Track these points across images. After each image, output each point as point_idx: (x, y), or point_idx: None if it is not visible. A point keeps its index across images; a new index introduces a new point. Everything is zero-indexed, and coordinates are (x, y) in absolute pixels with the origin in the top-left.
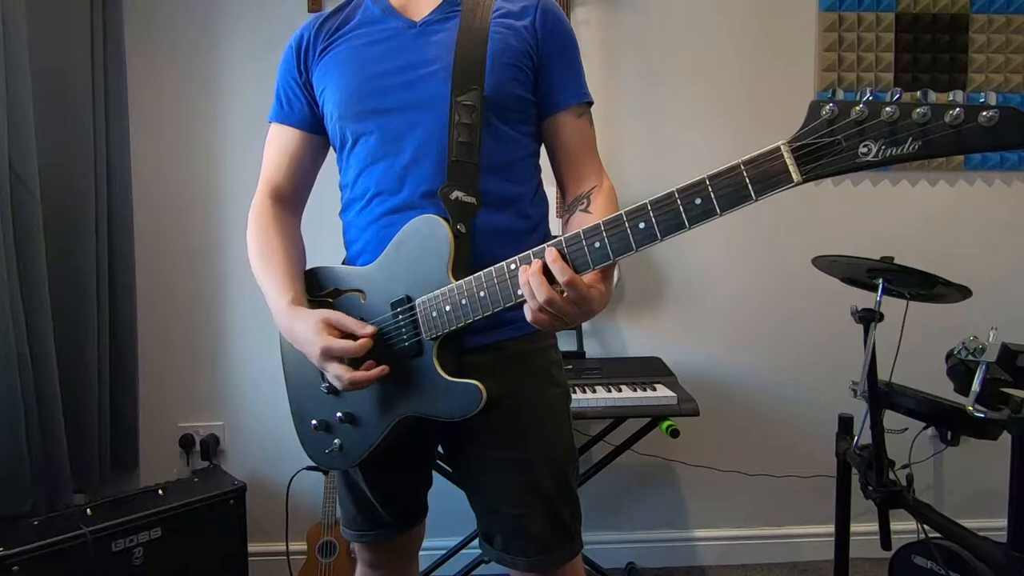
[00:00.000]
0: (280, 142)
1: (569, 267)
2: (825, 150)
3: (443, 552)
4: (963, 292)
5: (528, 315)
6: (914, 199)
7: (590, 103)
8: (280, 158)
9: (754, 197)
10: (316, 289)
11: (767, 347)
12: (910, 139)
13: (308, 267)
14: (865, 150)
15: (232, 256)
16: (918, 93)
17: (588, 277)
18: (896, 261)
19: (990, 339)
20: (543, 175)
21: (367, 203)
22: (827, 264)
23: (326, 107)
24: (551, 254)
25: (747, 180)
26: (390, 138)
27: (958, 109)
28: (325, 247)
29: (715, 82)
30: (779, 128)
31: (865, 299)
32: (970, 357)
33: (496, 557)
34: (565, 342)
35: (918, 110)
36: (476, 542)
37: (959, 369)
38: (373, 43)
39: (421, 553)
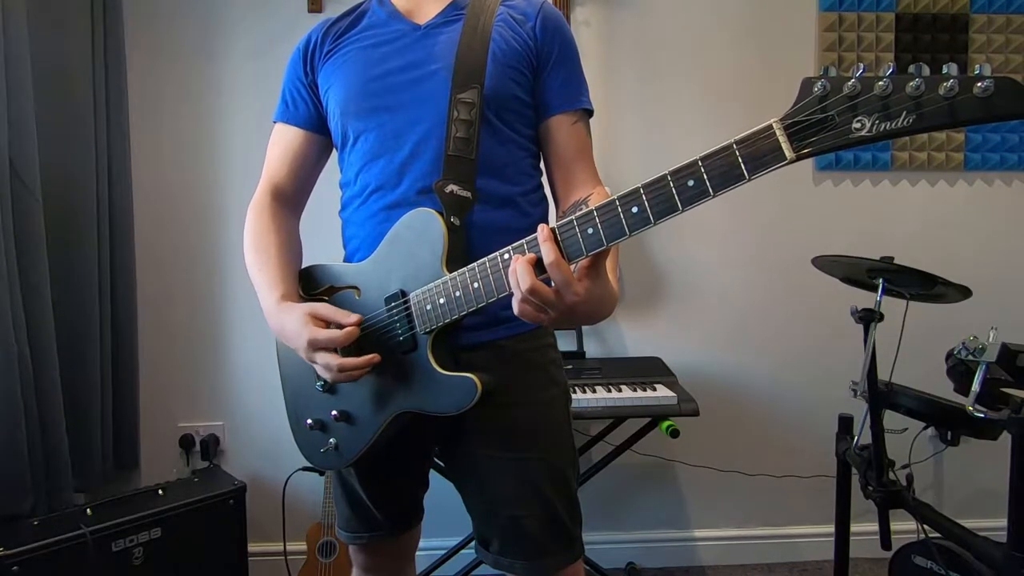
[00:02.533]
0: (283, 141)
1: (557, 248)
2: (818, 126)
3: (442, 552)
4: (963, 292)
5: (514, 306)
6: (914, 199)
7: (588, 111)
8: (283, 157)
9: (747, 176)
10: (311, 287)
11: (767, 347)
12: (904, 112)
13: (304, 266)
14: (858, 125)
15: (232, 256)
16: (911, 67)
17: (579, 271)
18: (896, 261)
19: (990, 339)
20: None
21: (365, 200)
22: (827, 264)
23: (329, 106)
24: (543, 232)
25: (739, 159)
26: (390, 135)
27: (952, 80)
28: (324, 247)
29: (715, 82)
30: None
31: (865, 299)
32: (970, 357)
33: (492, 561)
34: (565, 342)
35: (912, 83)
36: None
37: (959, 369)
38: (378, 44)
39: (420, 553)
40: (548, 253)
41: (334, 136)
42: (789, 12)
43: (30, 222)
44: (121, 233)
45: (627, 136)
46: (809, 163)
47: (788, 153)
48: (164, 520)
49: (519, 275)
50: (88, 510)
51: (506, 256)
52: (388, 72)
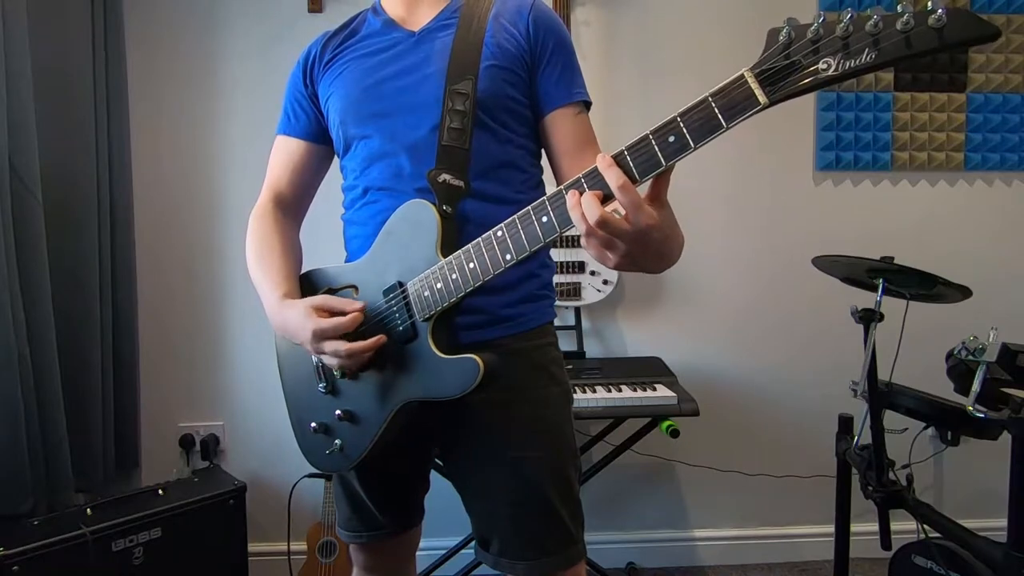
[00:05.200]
0: (285, 152)
1: (622, 172)
2: (787, 71)
3: (442, 552)
4: (963, 292)
5: (585, 243)
6: (914, 199)
7: (586, 103)
8: (284, 167)
9: (725, 125)
10: (311, 292)
11: (767, 347)
12: (866, 50)
13: (303, 271)
14: (824, 66)
15: (232, 256)
16: (868, 9)
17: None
18: (896, 261)
19: (990, 339)
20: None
21: (368, 202)
22: (827, 264)
23: (330, 115)
24: (604, 160)
25: (716, 110)
26: (389, 138)
27: (908, 15)
28: (325, 250)
29: (715, 82)
30: (780, 128)
31: (865, 299)
32: (970, 357)
33: (493, 562)
34: (565, 342)
35: (870, 22)
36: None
37: (959, 369)
38: (375, 53)
39: (420, 553)
40: (615, 178)
41: (336, 143)
42: (789, 12)
43: (30, 222)
44: (121, 233)
45: (627, 136)
46: (809, 163)
47: (762, 99)
48: (164, 520)
49: (586, 208)
50: (88, 510)
51: (499, 233)
52: (385, 79)
